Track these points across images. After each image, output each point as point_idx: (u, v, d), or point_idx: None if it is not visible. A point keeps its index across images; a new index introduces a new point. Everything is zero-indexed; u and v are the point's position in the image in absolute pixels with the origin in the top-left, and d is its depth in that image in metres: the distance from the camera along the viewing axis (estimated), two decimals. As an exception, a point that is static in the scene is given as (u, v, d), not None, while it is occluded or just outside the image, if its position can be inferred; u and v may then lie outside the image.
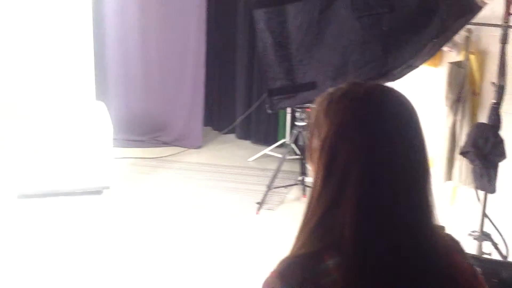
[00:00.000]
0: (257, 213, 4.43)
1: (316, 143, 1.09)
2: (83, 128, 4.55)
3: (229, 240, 3.98)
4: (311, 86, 2.45)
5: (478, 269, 1.74)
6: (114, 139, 4.69)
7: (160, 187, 4.92)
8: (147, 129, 5.98)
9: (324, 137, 1.06)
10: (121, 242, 3.90)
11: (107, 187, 4.61)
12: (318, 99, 1.13)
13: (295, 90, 2.56)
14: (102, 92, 5.57)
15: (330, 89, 1.13)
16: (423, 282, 1.02)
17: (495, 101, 2.72)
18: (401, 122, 1.06)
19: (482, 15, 3.05)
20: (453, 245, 1.14)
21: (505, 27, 2.61)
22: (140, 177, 5.13)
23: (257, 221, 4.30)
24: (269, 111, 2.71)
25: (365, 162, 1.02)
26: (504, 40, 2.62)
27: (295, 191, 4.73)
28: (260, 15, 2.46)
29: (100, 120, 4.64)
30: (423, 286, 1.02)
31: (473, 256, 1.85)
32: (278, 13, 2.43)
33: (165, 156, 5.67)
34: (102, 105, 4.93)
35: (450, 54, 3.21)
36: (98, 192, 4.58)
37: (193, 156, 5.75)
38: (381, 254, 1.00)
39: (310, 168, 1.12)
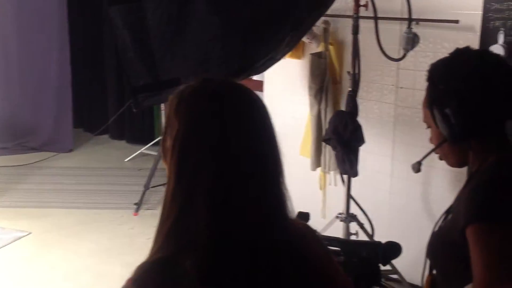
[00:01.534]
0: (135, 214, 4.32)
1: (168, 142, 1.07)
2: None
3: (107, 244, 3.86)
4: (176, 82, 2.42)
5: (338, 255, 1.83)
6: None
7: (30, 196, 4.65)
8: (12, 135, 5.61)
9: (175, 136, 1.04)
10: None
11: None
12: (170, 98, 1.11)
13: (160, 87, 2.52)
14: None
15: (181, 87, 1.11)
16: (280, 274, 1.03)
17: (351, 89, 2.87)
18: (251, 118, 1.06)
19: (337, 7, 3.21)
20: (309, 234, 1.17)
21: (355, 18, 2.76)
22: (6, 187, 4.79)
23: (136, 222, 4.20)
24: (135, 110, 2.64)
25: (215, 160, 1.01)
26: (355, 31, 2.76)
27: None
28: (116, 12, 2.38)
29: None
30: (281, 278, 1.03)
31: (335, 239, 1.92)
32: (135, 9, 2.36)
33: (33, 163, 5.36)
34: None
35: (311, 46, 3.33)
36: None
37: (64, 161, 5.49)
38: (237, 251, 1.00)
39: (165, 167, 1.09)
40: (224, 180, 1.00)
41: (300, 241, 1.09)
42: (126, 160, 5.52)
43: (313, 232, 1.19)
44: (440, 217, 1.45)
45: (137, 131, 5.94)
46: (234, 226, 1.00)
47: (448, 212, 1.42)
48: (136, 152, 5.56)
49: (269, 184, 1.05)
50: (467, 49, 1.44)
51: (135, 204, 4.38)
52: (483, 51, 1.44)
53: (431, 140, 1.49)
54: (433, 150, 1.48)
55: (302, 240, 1.10)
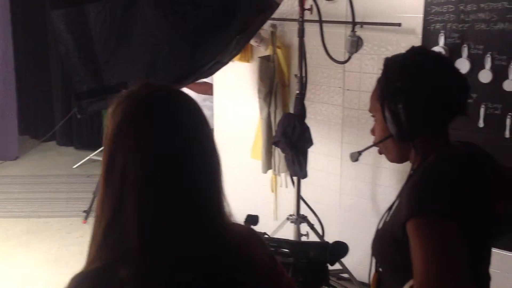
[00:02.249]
0: (84, 222, 4.23)
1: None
2: None
3: (56, 253, 3.78)
4: (122, 87, 2.36)
5: (288, 256, 1.84)
6: None
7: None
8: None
9: (107, 138, 1.02)
10: None
11: None
12: (111, 102, 1.09)
13: (105, 92, 2.47)
14: None
15: (123, 92, 1.09)
16: (221, 279, 1.02)
17: (298, 92, 2.90)
18: (184, 121, 1.04)
19: (283, 11, 3.24)
20: (252, 238, 1.15)
21: (301, 22, 2.79)
22: None
23: (86, 230, 4.11)
24: (79, 116, 2.58)
25: (142, 164, 0.98)
26: (301, 34, 2.79)
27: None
28: (59, 16, 2.32)
29: None
30: (222, 283, 1.02)
31: (284, 240, 1.93)
32: (78, 14, 2.31)
33: (-24, 172, 5.18)
34: None
35: (260, 49, 3.35)
36: None
37: (10, 169, 5.33)
38: (171, 259, 0.97)
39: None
40: (152, 187, 0.98)
41: (241, 246, 1.07)
42: (74, 166, 5.40)
43: (256, 235, 1.18)
44: (383, 215, 1.48)
45: (85, 137, 5.82)
46: (166, 233, 0.98)
47: (390, 209, 1.45)
48: (84, 158, 5.45)
49: (203, 189, 1.03)
50: (422, 49, 1.48)
51: (84, 211, 4.30)
52: (437, 53, 1.48)
53: (372, 131, 1.52)
54: (376, 144, 1.51)
55: (244, 244, 1.09)
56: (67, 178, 5.15)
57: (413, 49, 1.46)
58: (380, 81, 1.46)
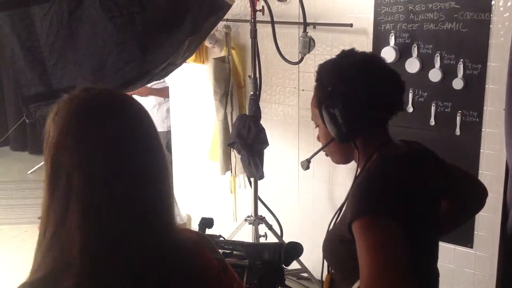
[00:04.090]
0: (40, 229, 4.13)
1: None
2: None
3: (10, 261, 3.67)
4: (71, 90, 2.31)
5: (243, 259, 1.84)
6: None
7: None
8: None
9: (48, 145, 0.99)
10: None
11: None
12: (52, 107, 1.06)
13: (54, 96, 2.40)
14: None
15: (64, 96, 1.06)
16: (168, 285, 1.00)
17: (252, 93, 2.89)
18: (127, 125, 1.02)
19: (237, 12, 3.23)
20: (201, 242, 1.13)
21: (253, 23, 2.79)
22: None
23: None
24: (28, 121, 2.51)
25: (87, 172, 0.95)
26: (253, 35, 2.79)
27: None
28: (4, 18, 2.25)
29: None
30: None
31: (239, 243, 1.92)
32: (22, 16, 2.24)
33: None
34: None
35: (214, 50, 3.33)
36: None
37: (-40, 175, 5.17)
38: (114, 270, 0.95)
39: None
40: (98, 192, 0.96)
41: (190, 252, 1.06)
42: (29, 172, 5.27)
43: (206, 240, 1.17)
44: (334, 216, 1.48)
45: (40, 141, 5.65)
46: (110, 245, 0.96)
47: (340, 210, 1.46)
48: (39, 163, 5.32)
49: (149, 196, 1.01)
50: (352, 52, 1.49)
51: (39, 218, 4.18)
52: (368, 53, 1.49)
53: (318, 138, 1.54)
54: (321, 149, 1.53)
55: (193, 250, 1.08)
56: (21, 184, 5.02)
57: (342, 53, 1.48)
58: (315, 88, 1.48)
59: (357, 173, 1.42)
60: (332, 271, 1.51)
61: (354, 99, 1.37)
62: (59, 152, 0.97)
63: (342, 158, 1.50)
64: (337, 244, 1.37)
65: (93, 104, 1.02)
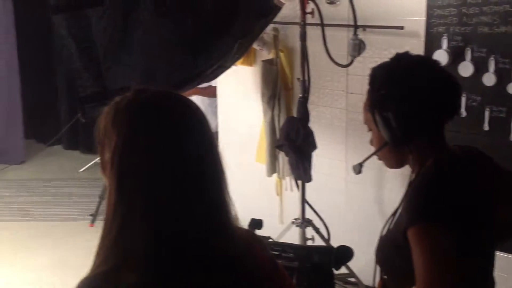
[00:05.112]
0: (91, 225, 4.25)
1: (107, 155, 1.05)
2: None
3: (63, 257, 3.78)
4: (124, 91, 2.38)
5: (292, 261, 1.84)
6: None
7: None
8: (-41, 147, 5.44)
9: (113, 149, 1.03)
10: None
11: None
12: (105, 109, 1.09)
13: (108, 96, 2.47)
14: None
15: (117, 98, 1.10)
16: (224, 284, 1.03)
17: (301, 95, 2.89)
18: (188, 126, 1.05)
19: (285, 14, 3.24)
20: (255, 242, 1.16)
21: (302, 26, 2.79)
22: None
23: (92, 234, 4.12)
24: (83, 120, 2.59)
25: (153, 171, 1.00)
26: (303, 38, 2.79)
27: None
28: (61, 21, 2.33)
29: None
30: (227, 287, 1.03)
31: (288, 245, 1.93)
32: (78, 18, 2.32)
33: (-17, 175, 5.21)
34: None
35: (262, 53, 3.35)
36: None
37: (16, 173, 5.35)
38: (177, 266, 0.98)
39: (105, 182, 1.08)
40: (163, 192, 0.99)
41: (244, 250, 1.09)
42: (80, 170, 5.42)
43: (258, 240, 1.19)
44: (387, 221, 1.48)
45: (91, 140, 5.81)
46: (174, 240, 0.99)
47: (394, 215, 1.45)
48: (90, 162, 5.46)
49: (211, 192, 1.04)
50: (406, 55, 1.47)
51: (91, 215, 4.31)
52: (422, 56, 1.48)
53: (371, 142, 1.52)
54: (374, 153, 1.51)
55: (247, 249, 1.10)
56: (73, 182, 5.17)
57: (396, 55, 1.46)
58: (368, 91, 1.47)
59: (412, 179, 1.40)
60: (385, 277, 1.50)
61: (409, 102, 1.36)
62: (127, 153, 1.01)
63: (395, 162, 1.49)
64: (391, 250, 1.36)
65: (153, 105, 1.05)
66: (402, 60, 1.43)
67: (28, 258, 3.78)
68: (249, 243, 1.13)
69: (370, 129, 1.51)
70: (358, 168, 1.59)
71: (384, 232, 1.47)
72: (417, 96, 1.36)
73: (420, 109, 1.36)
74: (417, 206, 1.26)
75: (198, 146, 1.05)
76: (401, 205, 1.38)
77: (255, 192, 3.75)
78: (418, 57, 1.46)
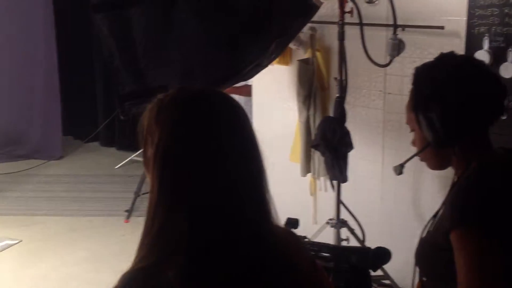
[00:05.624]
0: (126, 221, 4.31)
1: (150, 152, 1.07)
2: None
3: (99, 251, 3.85)
4: (162, 89, 2.41)
5: (328, 261, 1.83)
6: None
7: (20, 203, 4.63)
8: (1, 143, 5.58)
9: (156, 145, 1.04)
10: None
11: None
12: (149, 106, 1.11)
13: (147, 95, 2.51)
14: None
15: (159, 96, 1.12)
16: (265, 282, 1.03)
17: (338, 95, 2.88)
18: (230, 125, 1.06)
19: (323, 14, 3.22)
20: (293, 241, 1.16)
21: (341, 25, 2.77)
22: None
23: (127, 229, 4.18)
24: (122, 117, 2.63)
25: (196, 168, 1.01)
26: (341, 37, 2.78)
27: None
28: (101, 19, 2.37)
29: None
30: (265, 285, 1.03)
31: (325, 245, 1.92)
32: (119, 17, 2.36)
33: (22, 170, 5.32)
34: None
35: (299, 52, 3.34)
36: None
37: (53, 168, 5.47)
38: (218, 262, 0.99)
39: (148, 177, 1.09)
40: (205, 189, 1.00)
41: (284, 249, 1.09)
42: (116, 167, 5.50)
43: (297, 238, 1.19)
44: (428, 223, 1.46)
45: (127, 137, 5.92)
46: (216, 235, 1.00)
47: (435, 217, 1.43)
48: (126, 159, 5.54)
49: (252, 190, 1.05)
50: (451, 54, 1.45)
51: (126, 211, 4.37)
52: (467, 56, 1.46)
53: (413, 143, 1.51)
54: (416, 154, 1.50)
55: (286, 247, 1.10)
56: (109, 178, 5.25)
57: (441, 56, 1.44)
58: (411, 91, 1.45)
59: (455, 180, 1.38)
60: (424, 279, 1.48)
61: (453, 103, 1.34)
62: (170, 149, 1.02)
63: (438, 164, 1.47)
64: (432, 252, 1.35)
65: (196, 102, 1.06)
66: (447, 60, 1.41)
67: (66, 252, 3.85)
68: (288, 242, 1.13)
69: (412, 130, 1.49)
70: (399, 169, 1.57)
71: (424, 233, 1.45)
72: (462, 97, 1.34)
73: (465, 110, 1.33)
74: (461, 208, 1.24)
75: (241, 144, 1.06)
76: (442, 207, 1.36)
77: (288, 192, 3.74)
78: (463, 57, 1.44)
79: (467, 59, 1.45)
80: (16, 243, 3.93)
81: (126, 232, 4.13)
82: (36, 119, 5.63)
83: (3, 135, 5.59)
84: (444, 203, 1.36)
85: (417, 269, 1.48)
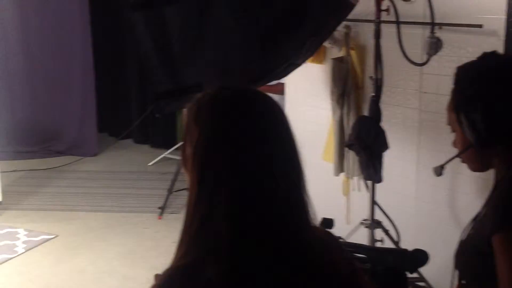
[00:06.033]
0: (159, 218, 4.36)
1: (189, 150, 1.08)
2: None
3: (133, 247, 3.89)
4: (198, 87, 2.43)
5: (364, 262, 1.81)
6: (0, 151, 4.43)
7: (57, 199, 4.72)
8: (37, 139, 5.68)
9: (195, 143, 1.05)
10: (18, 265, 3.68)
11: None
12: (188, 105, 1.12)
13: (182, 93, 2.53)
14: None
15: (199, 95, 1.12)
16: (306, 283, 1.03)
17: (374, 94, 2.85)
18: (270, 124, 1.06)
19: (358, 11, 3.19)
20: (331, 242, 1.16)
21: (377, 23, 2.74)
22: (33, 190, 4.87)
23: (161, 226, 4.23)
24: (157, 115, 2.67)
25: (236, 168, 1.01)
26: (377, 36, 2.75)
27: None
28: (137, 18, 2.40)
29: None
30: (307, 286, 1.03)
31: (361, 246, 1.90)
32: (156, 16, 2.38)
33: (59, 166, 5.42)
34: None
35: (333, 50, 3.32)
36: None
37: (89, 164, 5.55)
38: (259, 260, 1.00)
39: (186, 176, 1.10)
40: (245, 188, 1.01)
41: (322, 249, 1.08)
42: (149, 164, 5.55)
43: (335, 239, 1.19)
44: (468, 225, 1.43)
45: (160, 135, 5.97)
46: (256, 235, 1.00)
47: (475, 219, 1.41)
48: (159, 156, 5.59)
49: (291, 191, 1.05)
50: (494, 54, 1.42)
51: (159, 208, 4.41)
52: (510, 56, 1.42)
53: (454, 143, 1.48)
54: (457, 155, 1.47)
55: (325, 247, 1.10)
56: (143, 175, 5.31)
57: (484, 55, 1.41)
58: (453, 91, 1.43)
59: (497, 183, 1.35)
60: (463, 282, 1.46)
61: (496, 103, 1.31)
62: (209, 148, 1.03)
63: (480, 165, 1.44)
64: (473, 256, 1.32)
65: (237, 102, 1.07)
66: (490, 60, 1.38)
67: (101, 247, 3.91)
68: (327, 243, 1.13)
69: (453, 130, 1.46)
70: (439, 170, 1.55)
71: (464, 236, 1.43)
72: (506, 97, 1.31)
73: (508, 111, 1.30)
74: (504, 212, 1.21)
75: (280, 144, 1.06)
76: (483, 209, 1.33)
77: (321, 191, 3.70)
78: (506, 56, 1.41)
79: (510, 59, 1.42)
80: (52, 238, 4.01)
81: (160, 229, 4.17)
82: (72, 117, 5.72)
83: (40, 131, 5.70)
84: (485, 206, 1.33)
85: (456, 272, 1.45)
